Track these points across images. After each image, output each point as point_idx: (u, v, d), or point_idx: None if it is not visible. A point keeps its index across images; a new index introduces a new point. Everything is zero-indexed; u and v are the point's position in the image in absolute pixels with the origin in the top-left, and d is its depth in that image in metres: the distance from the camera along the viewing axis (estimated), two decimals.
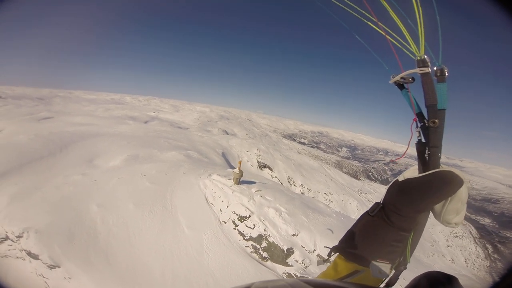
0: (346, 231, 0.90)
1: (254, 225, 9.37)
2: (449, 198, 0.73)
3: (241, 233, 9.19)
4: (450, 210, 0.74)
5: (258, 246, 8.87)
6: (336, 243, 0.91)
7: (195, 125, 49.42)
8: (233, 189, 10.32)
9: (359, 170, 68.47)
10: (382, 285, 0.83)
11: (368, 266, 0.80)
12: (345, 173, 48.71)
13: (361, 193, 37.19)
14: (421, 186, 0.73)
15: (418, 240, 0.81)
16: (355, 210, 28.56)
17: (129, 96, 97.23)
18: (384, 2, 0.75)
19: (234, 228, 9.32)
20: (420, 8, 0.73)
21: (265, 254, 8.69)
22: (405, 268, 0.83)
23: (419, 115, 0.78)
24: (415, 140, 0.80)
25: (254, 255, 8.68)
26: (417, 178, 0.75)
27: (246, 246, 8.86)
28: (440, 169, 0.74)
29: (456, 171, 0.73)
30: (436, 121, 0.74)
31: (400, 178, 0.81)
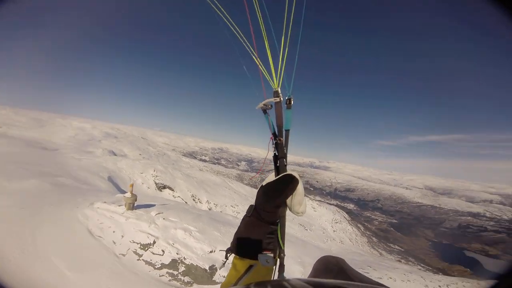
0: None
1: (163, 251, 8.30)
2: (294, 193, 0.94)
3: (149, 263, 7.91)
4: (296, 202, 0.96)
5: (175, 273, 7.89)
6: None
7: (69, 145, 39.32)
8: (127, 216, 8.85)
9: (258, 180, 74.88)
10: (276, 274, 1.01)
11: (257, 259, 0.94)
12: (246, 184, 51.64)
13: None
14: (275, 187, 0.95)
15: (284, 230, 1.01)
16: None
17: None
18: (267, 44, 0.99)
19: (139, 259, 7.91)
20: (281, 53, 0.98)
21: (187, 279, 7.77)
22: (285, 255, 1.01)
23: (274, 134, 1.01)
24: (273, 153, 1.04)
25: (174, 282, 7.60)
26: (272, 181, 0.97)
27: (160, 276, 7.69)
28: (285, 172, 0.96)
29: (294, 173, 0.96)
30: (282, 139, 1.00)
31: (264, 183, 1.01)
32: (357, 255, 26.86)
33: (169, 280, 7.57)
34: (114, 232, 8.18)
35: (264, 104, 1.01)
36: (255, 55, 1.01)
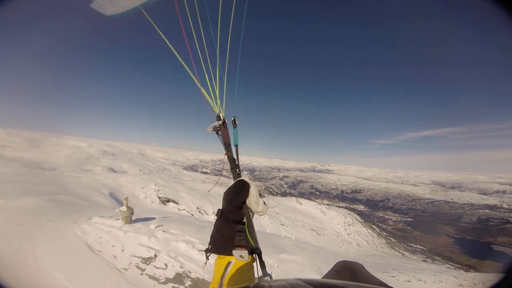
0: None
1: (166, 265, 7.74)
2: (249, 195, 1.09)
3: (153, 277, 7.36)
4: (252, 202, 1.10)
5: (181, 287, 7.39)
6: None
7: (66, 164, 38.81)
8: (125, 229, 8.44)
9: (261, 188, 74.10)
10: (259, 271, 1.14)
11: (233, 255, 1.05)
12: None
13: (268, 208, 39.71)
14: (231, 191, 1.12)
15: (253, 228, 1.14)
16: (269, 224, 29.93)
17: None
18: (205, 72, 1.17)
19: (142, 274, 7.38)
20: (217, 81, 1.18)
21: None
22: (260, 251, 1.13)
23: (226, 150, 1.25)
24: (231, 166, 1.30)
25: None
26: (230, 187, 1.15)
27: None
28: (239, 178, 1.16)
29: (245, 178, 1.15)
30: (229, 153, 1.25)
31: (226, 189, 1.16)
32: (378, 258, 25.82)
33: None
34: (113, 246, 7.74)
35: (213, 127, 1.22)
36: (198, 81, 1.17)
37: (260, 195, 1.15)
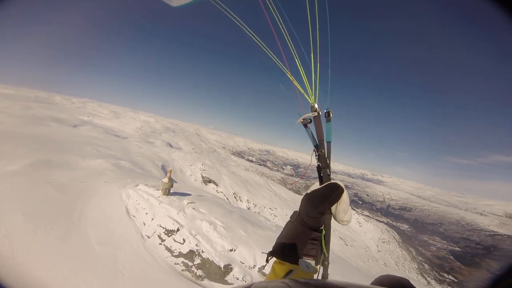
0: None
1: (184, 240, 8.61)
2: (338, 201, 0.96)
3: (168, 249, 8.29)
4: (340, 210, 0.97)
5: (190, 264, 8.02)
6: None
7: (135, 135, 45.42)
8: (161, 200, 9.53)
9: (302, 186, 72.86)
10: (319, 277, 1.03)
11: (298, 264, 0.96)
12: (289, 189, 50.87)
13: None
14: (319, 194, 0.99)
15: (329, 237, 1.03)
16: None
17: (60, 96, 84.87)
18: (298, 61, 1.05)
19: (160, 243, 8.39)
20: (314, 69, 1.05)
21: (199, 272, 7.86)
22: (329, 263, 1.03)
23: (316, 146, 1.09)
24: (317, 164, 1.11)
25: (187, 273, 7.81)
26: (317, 189, 1.02)
27: (175, 264, 7.96)
28: (330, 181, 1.01)
29: (339, 182, 0.99)
30: (323, 151, 1.07)
31: (308, 191, 1.06)
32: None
33: (182, 270, 7.81)
34: (146, 214, 8.90)
35: (303, 119, 1.08)
36: (288, 72, 1.08)
37: None
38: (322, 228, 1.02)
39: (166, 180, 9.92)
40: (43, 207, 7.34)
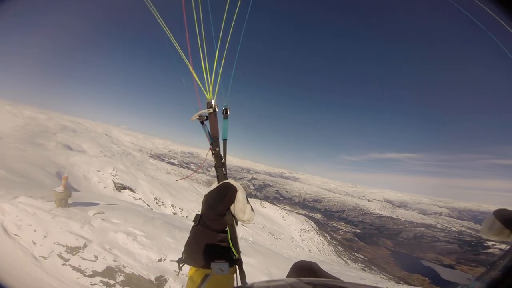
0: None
1: (96, 257, 7.23)
2: (235, 201, 0.93)
3: (77, 269, 6.86)
4: (238, 210, 0.93)
5: (112, 282, 6.89)
6: None
7: (15, 135, 35.08)
8: (55, 213, 7.74)
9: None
10: (238, 282, 0.97)
11: (211, 268, 0.90)
12: None
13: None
14: (215, 195, 0.95)
15: (236, 238, 0.97)
16: None
17: None
18: (202, 55, 0.99)
19: (64, 264, 6.84)
20: (217, 64, 1.00)
21: None
22: (242, 262, 0.97)
23: (212, 144, 1.03)
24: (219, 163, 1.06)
25: None
26: (212, 190, 0.97)
27: (92, 284, 6.72)
28: (224, 181, 0.97)
29: (232, 181, 0.96)
30: (217, 149, 1.03)
31: (207, 192, 1.00)
32: (324, 265, 27.12)
33: None
34: (34, 231, 7.08)
35: (199, 116, 1.01)
36: (190, 64, 0.99)
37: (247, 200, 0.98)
38: (227, 229, 0.97)
39: (60, 189, 8.14)
40: None
